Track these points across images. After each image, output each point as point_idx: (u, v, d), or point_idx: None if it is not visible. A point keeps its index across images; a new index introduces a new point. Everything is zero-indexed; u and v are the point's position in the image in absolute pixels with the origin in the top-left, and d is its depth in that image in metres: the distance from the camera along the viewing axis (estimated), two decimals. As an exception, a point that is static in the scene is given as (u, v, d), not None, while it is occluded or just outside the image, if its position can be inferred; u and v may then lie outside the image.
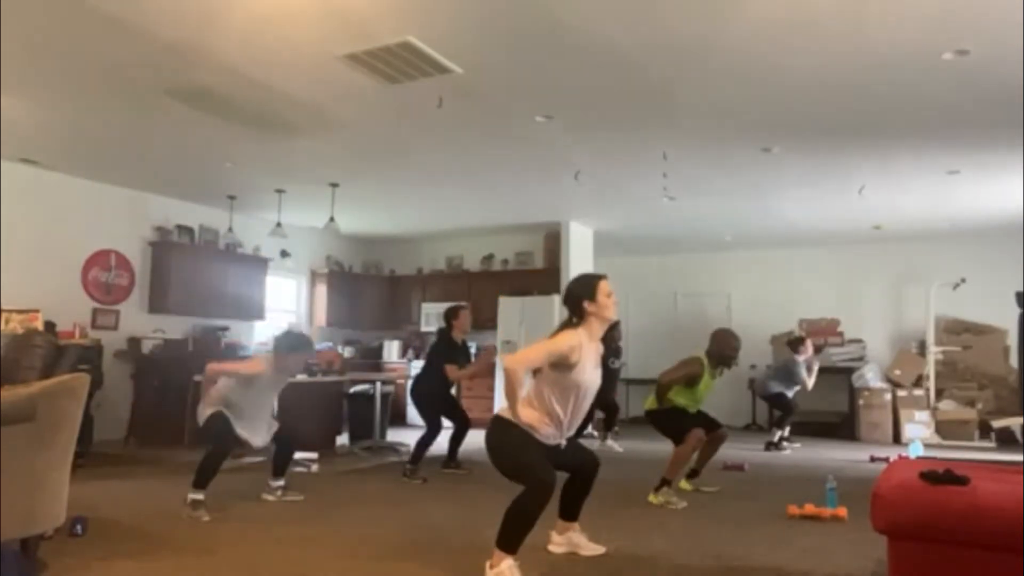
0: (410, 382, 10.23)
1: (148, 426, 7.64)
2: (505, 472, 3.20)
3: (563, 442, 3.37)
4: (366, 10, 3.99)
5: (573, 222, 9.75)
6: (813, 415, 9.80)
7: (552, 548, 3.55)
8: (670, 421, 5.18)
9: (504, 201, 8.70)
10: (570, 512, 3.58)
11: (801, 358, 8.19)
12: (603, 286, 3.34)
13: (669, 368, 5.22)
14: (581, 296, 3.32)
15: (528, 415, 3.20)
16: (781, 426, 8.18)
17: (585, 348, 3.23)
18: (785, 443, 8.10)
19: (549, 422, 3.22)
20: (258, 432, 4.70)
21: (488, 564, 3.08)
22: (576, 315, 3.32)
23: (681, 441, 5.08)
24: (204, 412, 4.59)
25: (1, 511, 2.82)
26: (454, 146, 6.52)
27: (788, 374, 8.18)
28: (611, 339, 7.66)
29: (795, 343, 8.36)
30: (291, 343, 4.76)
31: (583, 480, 3.52)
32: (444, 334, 6.23)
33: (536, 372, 3.29)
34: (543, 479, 3.06)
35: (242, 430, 4.59)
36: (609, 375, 7.55)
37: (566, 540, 3.57)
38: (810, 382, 8.17)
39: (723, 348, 5.20)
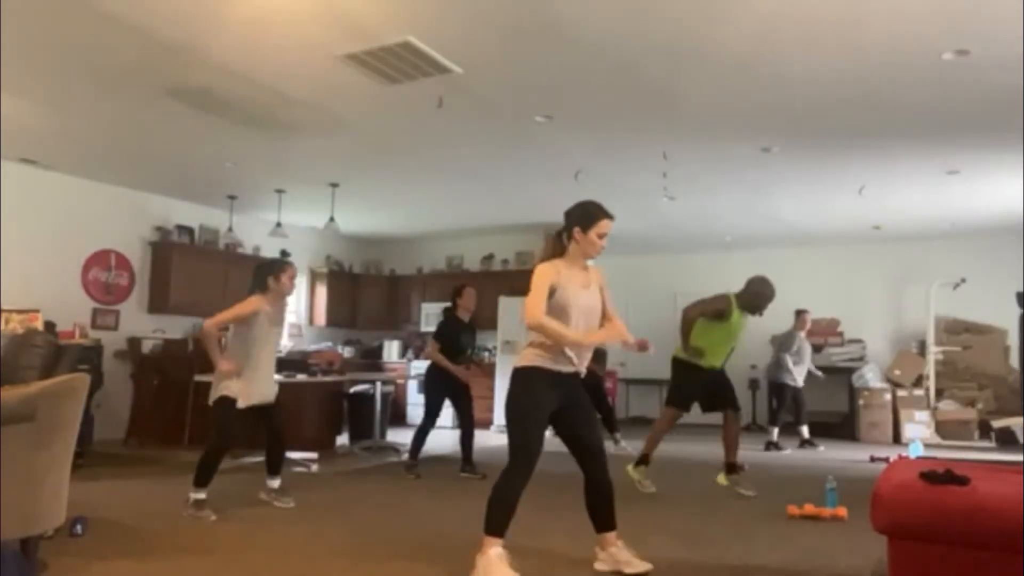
0: (411, 382, 10.33)
1: (148, 426, 7.64)
2: (506, 427, 3.28)
3: (582, 370, 3.34)
4: (366, 10, 3.99)
5: (573, 222, 9.74)
6: (813, 415, 9.78)
7: (597, 566, 3.34)
8: (685, 379, 5.21)
9: (504, 201, 8.71)
10: (600, 522, 3.35)
11: (800, 333, 8.30)
12: (603, 224, 3.28)
13: (695, 301, 5.24)
14: (576, 222, 3.29)
15: (541, 351, 3.21)
16: (802, 421, 8.34)
17: (564, 273, 3.23)
18: (773, 447, 8.07)
19: (553, 351, 3.22)
20: (272, 384, 4.59)
21: (480, 554, 3.08)
22: (563, 234, 3.32)
23: (671, 401, 5.25)
24: (215, 389, 4.41)
25: (1, 511, 2.82)
26: (454, 146, 6.52)
27: (782, 347, 8.33)
28: None
29: (796, 316, 8.49)
30: (269, 265, 4.56)
31: (592, 482, 3.34)
32: (448, 312, 6.21)
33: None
34: (527, 455, 3.15)
35: (261, 387, 4.47)
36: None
37: (609, 556, 3.31)
38: (799, 367, 8.26)
39: (757, 295, 5.15)
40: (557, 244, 3.35)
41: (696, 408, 5.43)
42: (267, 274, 4.50)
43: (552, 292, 3.19)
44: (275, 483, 4.68)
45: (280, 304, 4.61)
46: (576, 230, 3.27)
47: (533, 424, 3.21)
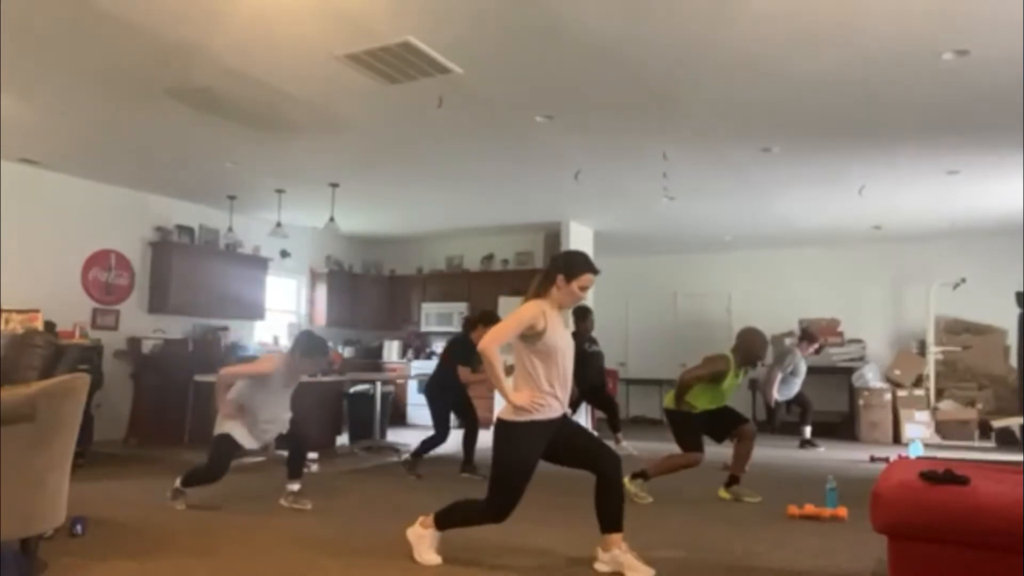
0: (411, 382, 10.33)
1: (148, 426, 7.64)
2: (492, 477, 3.30)
3: (568, 411, 3.40)
4: (366, 10, 3.99)
5: (573, 222, 9.75)
6: (813, 415, 9.81)
7: (597, 566, 3.32)
8: (685, 426, 5.06)
9: (504, 201, 8.70)
10: (607, 522, 3.32)
11: (800, 353, 8.27)
12: (585, 279, 3.34)
13: (694, 366, 5.13)
14: (560, 271, 3.34)
15: (523, 397, 3.23)
16: (806, 422, 8.42)
17: (549, 314, 3.28)
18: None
19: (542, 395, 3.24)
20: (275, 432, 4.77)
21: (419, 522, 3.39)
22: (547, 279, 3.35)
23: (687, 448, 5.02)
24: (218, 426, 4.64)
25: (1, 511, 2.82)
26: (454, 146, 6.52)
27: (778, 361, 8.35)
28: (584, 329, 7.58)
29: (802, 337, 8.51)
30: (307, 347, 4.76)
31: (605, 481, 3.32)
32: (465, 335, 6.18)
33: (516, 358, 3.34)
34: (508, 508, 3.24)
35: (260, 433, 4.69)
36: (590, 359, 7.43)
37: (611, 559, 3.28)
38: (789, 385, 8.25)
39: (751, 347, 5.08)
40: (543, 284, 3.37)
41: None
42: (301, 348, 4.76)
43: (541, 334, 3.22)
44: (295, 487, 4.74)
45: (296, 375, 4.85)
46: (560, 277, 3.32)
47: (522, 483, 3.26)
